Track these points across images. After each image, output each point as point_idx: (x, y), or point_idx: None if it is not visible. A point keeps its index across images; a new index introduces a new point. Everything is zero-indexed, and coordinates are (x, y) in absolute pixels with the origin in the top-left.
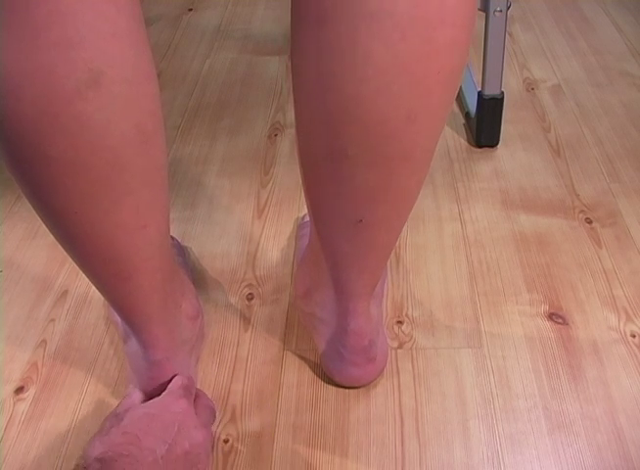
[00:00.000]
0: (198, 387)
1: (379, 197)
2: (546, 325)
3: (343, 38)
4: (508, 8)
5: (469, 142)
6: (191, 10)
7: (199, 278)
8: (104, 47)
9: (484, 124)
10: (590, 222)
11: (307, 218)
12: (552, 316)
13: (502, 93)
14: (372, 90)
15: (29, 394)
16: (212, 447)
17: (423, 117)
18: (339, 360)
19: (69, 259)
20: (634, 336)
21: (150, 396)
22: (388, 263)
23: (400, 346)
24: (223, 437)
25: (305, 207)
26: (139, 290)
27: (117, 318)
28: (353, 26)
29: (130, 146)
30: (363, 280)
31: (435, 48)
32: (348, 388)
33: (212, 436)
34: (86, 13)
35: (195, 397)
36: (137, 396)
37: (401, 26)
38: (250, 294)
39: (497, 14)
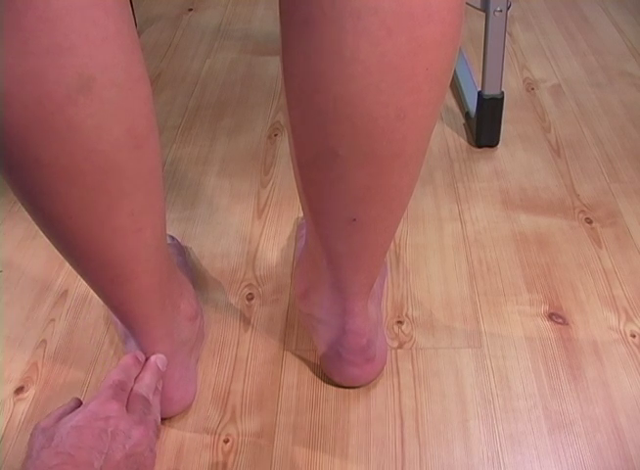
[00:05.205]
0: (198, 387)
1: (371, 195)
2: (546, 325)
3: (330, 38)
4: (508, 8)
5: (469, 142)
6: (191, 10)
7: (199, 278)
8: (93, 52)
9: (484, 124)
10: (590, 222)
11: None
12: (552, 316)
13: (502, 93)
14: (360, 89)
15: (29, 394)
16: (157, 436)
17: (412, 115)
18: (337, 360)
19: None
20: (634, 336)
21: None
22: (388, 263)
23: (400, 346)
24: (223, 437)
25: None
26: (136, 292)
27: (117, 319)
28: (339, 26)
29: (123, 150)
30: (360, 279)
31: (423, 45)
32: (348, 388)
33: (155, 425)
34: (75, 18)
35: (130, 391)
36: (69, 406)
37: (387, 24)
38: (250, 294)
39: (497, 14)
